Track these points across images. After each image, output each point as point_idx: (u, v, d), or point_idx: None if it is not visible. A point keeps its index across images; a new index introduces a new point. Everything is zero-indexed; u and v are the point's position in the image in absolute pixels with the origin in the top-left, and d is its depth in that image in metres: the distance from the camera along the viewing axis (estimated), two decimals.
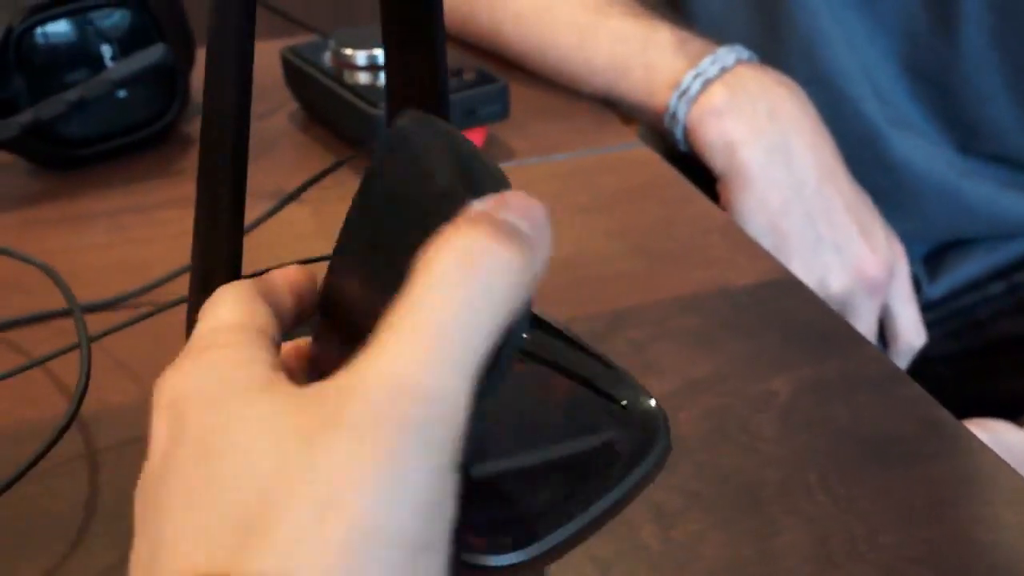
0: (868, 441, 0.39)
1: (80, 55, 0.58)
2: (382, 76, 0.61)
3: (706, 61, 0.60)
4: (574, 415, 0.38)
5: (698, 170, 0.61)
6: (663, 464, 0.34)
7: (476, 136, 0.62)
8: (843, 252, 0.59)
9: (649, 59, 0.63)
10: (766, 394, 0.42)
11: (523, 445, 0.34)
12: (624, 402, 0.37)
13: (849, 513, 0.36)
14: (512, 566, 0.29)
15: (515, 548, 0.30)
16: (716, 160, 0.60)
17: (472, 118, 0.61)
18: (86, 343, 0.39)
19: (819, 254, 0.59)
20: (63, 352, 0.41)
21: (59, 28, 0.57)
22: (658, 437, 0.35)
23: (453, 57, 0.65)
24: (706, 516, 0.36)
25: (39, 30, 0.56)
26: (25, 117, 0.55)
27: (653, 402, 0.37)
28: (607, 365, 0.39)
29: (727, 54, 0.61)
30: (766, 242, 0.57)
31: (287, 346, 0.26)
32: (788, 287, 0.49)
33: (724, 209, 0.59)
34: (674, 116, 0.61)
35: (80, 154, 0.58)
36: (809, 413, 0.41)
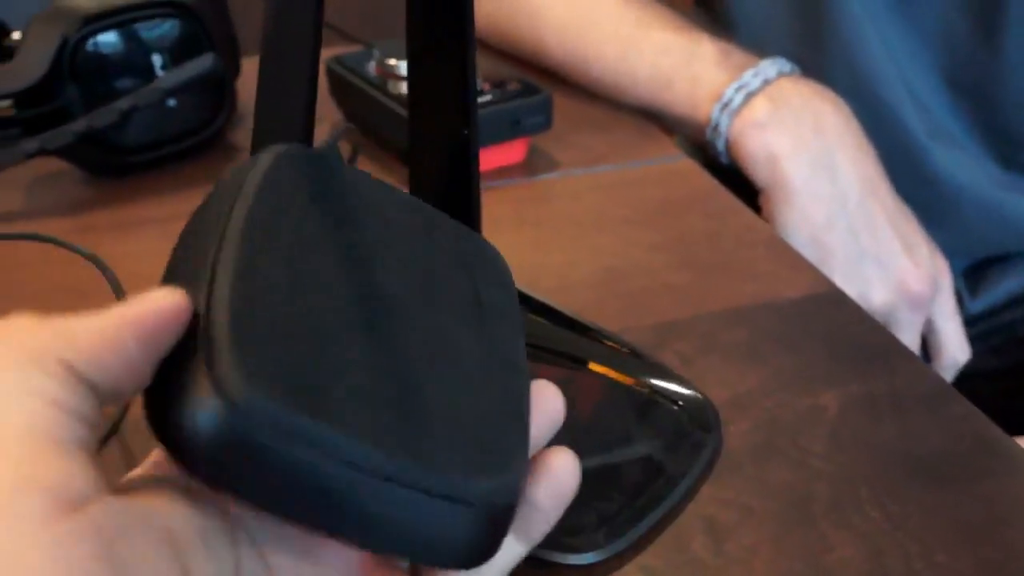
0: (920, 458, 0.39)
1: (132, 65, 0.59)
2: None
3: (748, 73, 0.61)
4: (632, 414, 0.38)
5: (738, 183, 0.61)
6: (718, 457, 0.35)
7: (519, 147, 0.63)
8: (886, 266, 0.59)
9: (692, 72, 0.63)
10: (815, 409, 0.42)
11: (589, 448, 0.34)
12: (679, 402, 0.37)
13: (902, 530, 0.36)
14: (592, 565, 0.30)
15: (594, 548, 0.31)
16: (759, 173, 0.60)
17: (516, 129, 0.61)
18: None
19: (862, 268, 0.59)
20: None
21: (111, 39, 0.58)
22: (711, 430, 0.36)
23: (497, 68, 0.66)
24: (758, 530, 0.36)
25: (92, 41, 0.57)
26: (79, 125, 0.56)
27: (700, 395, 0.37)
28: (647, 361, 0.40)
29: (770, 67, 0.61)
30: (809, 255, 0.57)
31: None
32: (835, 300, 0.49)
33: (766, 222, 0.59)
34: (716, 128, 0.61)
35: (131, 161, 0.59)
36: (858, 428, 0.41)
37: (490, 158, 0.62)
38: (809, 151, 0.59)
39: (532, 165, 0.63)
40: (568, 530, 0.32)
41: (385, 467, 0.21)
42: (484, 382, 0.25)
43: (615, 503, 0.34)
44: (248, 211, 0.23)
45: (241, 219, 0.23)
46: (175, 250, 0.24)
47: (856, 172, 0.60)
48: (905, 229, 0.60)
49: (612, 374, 0.41)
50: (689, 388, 0.39)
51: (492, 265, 0.29)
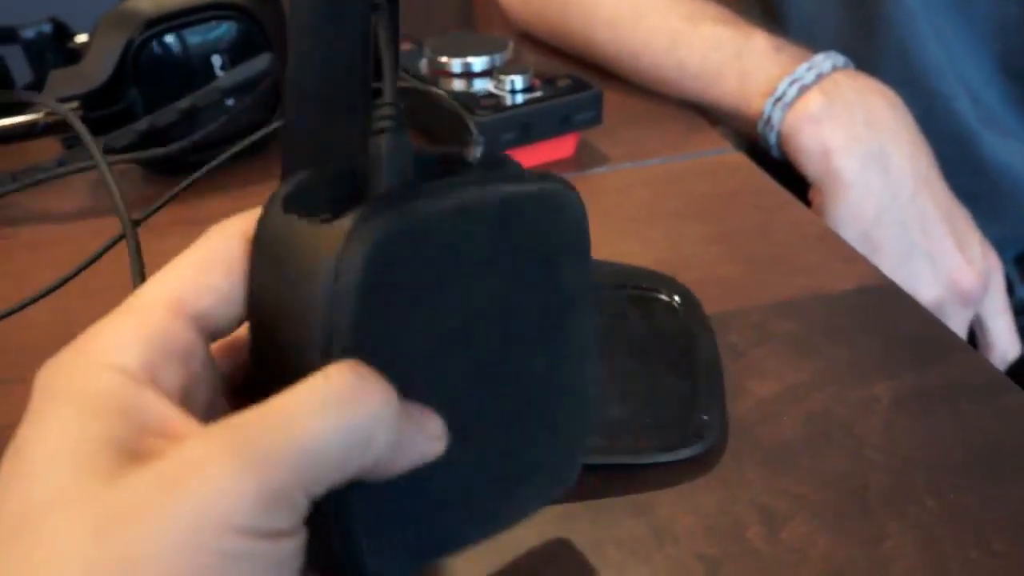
0: (977, 449, 0.39)
1: (192, 66, 0.60)
2: (477, 83, 0.63)
3: (802, 67, 0.61)
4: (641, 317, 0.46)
5: (785, 177, 0.61)
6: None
7: (569, 143, 0.63)
8: (937, 262, 0.59)
9: (743, 66, 0.63)
10: (869, 400, 0.42)
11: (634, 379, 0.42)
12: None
13: (959, 520, 0.36)
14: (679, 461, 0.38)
15: (673, 448, 0.39)
16: (811, 167, 0.60)
17: (566, 124, 0.62)
18: None
19: (912, 264, 0.59)
20: None
21: (173, 41, 0.60)
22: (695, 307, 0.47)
23: (548, 64, 0.66)
24: (813, 519, 0.36)
25: (155, 42, 0.59)
26: (141, 125, 0.57)
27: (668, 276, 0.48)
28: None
29: (823, 60, 0.61)
30: (859, 250, 0.56)
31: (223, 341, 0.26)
32: (887, 294, 0.49)
33: (816, 215, 0.59)
34: (768, 122, 0.61)
35: (191, 160, 0.61)
36: (913, 419, 0.41)
37: (540, 153, 0.62)
38: (862, 145, 0.59)
39: (582, 160, 0.63)
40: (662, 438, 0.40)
41: None
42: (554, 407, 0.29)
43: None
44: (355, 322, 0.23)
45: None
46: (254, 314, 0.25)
47: (909, 167, 0.60)
48: (957, 225, 0.60)
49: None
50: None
51: (565, 227, 0.28)
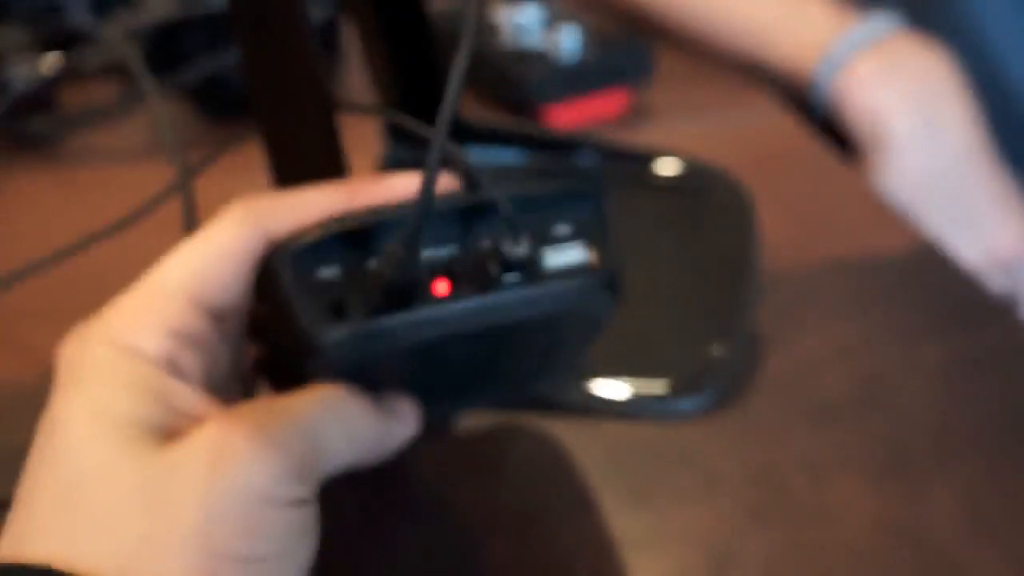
0: (1023, 411, 0.40)
1: None
2: (527, 38, 0.63)
3: (857, 29, 0.60)
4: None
5: (834, 140, 0.61)
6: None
7: (619, 99, 0.63)
8: (979, 231, 0.59)
9: (796, 25, 0.63)
10: (916, 361, 0.42)
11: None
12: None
13: (1003, 481, 0.36)
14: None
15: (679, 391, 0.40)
16: (861, 130, 0.60)
17: (617, 80, 0.62)
18: None
19: (955, 230, 0.59)
20: None
21: None
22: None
23: (599, 20, 0.66)
24: (858, 475, 0.37)
25: None
26: (201, 68, 0.58)
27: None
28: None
29: (879, 22, 0.61)
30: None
31: None
32: (936, 257, 0.50)
33: (864, 178, 0.59)
34: (819, 84, 0.61)
35: (249, 103, 0.62)
36: (960, 382, 0.41)
37: (591, 109, 0.62)
38: (914, 110, 0.59)
39: (633, 116, 0.63)
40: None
41: None
42: None
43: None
44: None
45: None
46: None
47: (960, 134, 0.59)
48: (1003, 196, 0.60)
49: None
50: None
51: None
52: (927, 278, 0.48)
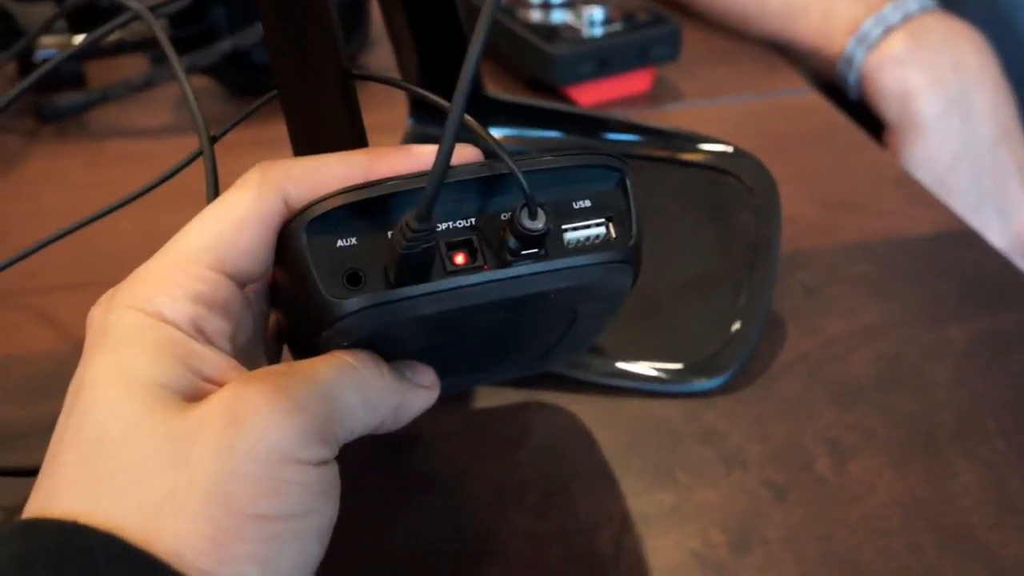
0: None
1: None
2: (555, 14, 0.63)
3: (888, 7, 0.59)
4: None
5: (863, 119, 0.61)
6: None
7: (645, 77, 0.63)
8: (1006, 215, 0.58)
9: (826, 3, 0.62)
10: (941, 342, 0.42)
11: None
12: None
13: None
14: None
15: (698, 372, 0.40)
16: (890, 109, 0.59)
17: (643, 59, 0.61)
18: None
19: (981, 213, 0.58)
20: None
21: None
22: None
23: None
24: (881, 454, 0.37)
25: None
26: (224, 46, 0.58)
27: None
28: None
29: (911, 1, 0.60)
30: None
31: None
32: (965, 238, 0.49)
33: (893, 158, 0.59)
34: (849, 62, 0.61)
35: (270, 81, 0.62)
36: (986, 362, 0.41)
37: (616, 87, 0.62)
38: (945, 89, 0.58)
39: (658, 95, 0.63)
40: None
41: None
42: None
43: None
44: None
45: None
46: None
47: (991, 115, 0.59)
48: None
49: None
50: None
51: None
52: (953, 259, 0.48)
